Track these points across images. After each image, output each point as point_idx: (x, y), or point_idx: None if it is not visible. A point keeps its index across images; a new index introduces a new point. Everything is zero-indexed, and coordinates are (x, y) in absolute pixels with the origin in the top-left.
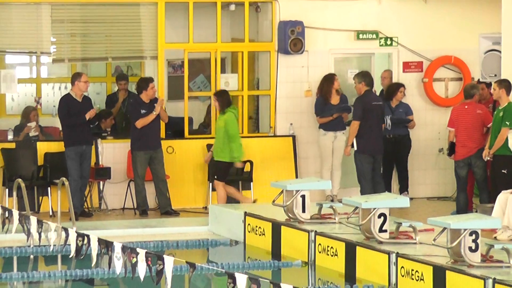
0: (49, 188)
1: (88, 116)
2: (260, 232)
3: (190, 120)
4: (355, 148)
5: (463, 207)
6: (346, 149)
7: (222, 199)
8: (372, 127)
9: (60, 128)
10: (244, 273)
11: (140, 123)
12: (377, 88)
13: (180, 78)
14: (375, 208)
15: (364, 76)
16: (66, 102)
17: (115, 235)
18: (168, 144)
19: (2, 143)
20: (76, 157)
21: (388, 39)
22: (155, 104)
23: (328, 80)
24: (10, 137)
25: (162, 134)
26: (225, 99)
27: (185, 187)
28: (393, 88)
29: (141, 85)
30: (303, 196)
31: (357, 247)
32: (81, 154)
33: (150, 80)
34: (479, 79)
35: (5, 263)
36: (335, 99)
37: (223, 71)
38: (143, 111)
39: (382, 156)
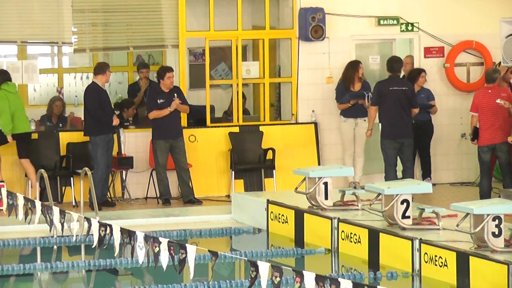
0: (72, 178)
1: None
2: (283, 219)
3: (212, 109)
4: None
5: (487, 192)
6: (366, 132)
7: (32, 173)
8: (391, 111)
9: (82, 118)
10: (267, 261)
11: (152, 114)
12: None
13: (201, 67)
14: (398, 194)
15: (387, 62)
16: (96, 91)
17: (138, 224)
18: (190, 132)
19: None
20: (106, 145)
21: (409, 25)
22: (175, 94)
23: (353, 67)
24: (32, 127)
25: (184, 123)
26: None
27: (207, 176)
28: (414, 74)
29: (159, 74)
30: (325, 183)
31: (380, 234)
32: (107, 142)
33: (168, 69)
34: (500, 62)
35: (29, 253)
36: (357, 86)
37: (244, 58)
38: (161, 101)
39: (412, 142)
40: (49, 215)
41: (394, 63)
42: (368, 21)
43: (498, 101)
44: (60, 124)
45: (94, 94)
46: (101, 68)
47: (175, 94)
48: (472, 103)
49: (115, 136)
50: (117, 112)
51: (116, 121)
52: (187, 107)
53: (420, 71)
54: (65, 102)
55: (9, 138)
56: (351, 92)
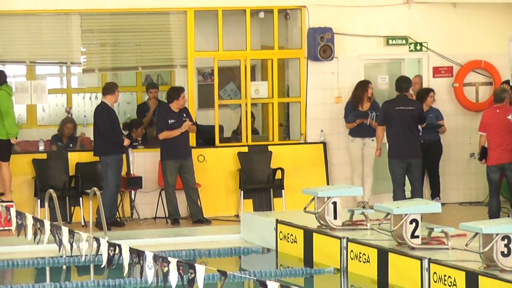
0: (80, 198)
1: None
2: (292, 239)
3: (221, 128)
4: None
5: (496, 212)
6: (376, 151)
7: (8, 179)
8: (398, 131)
9: (91, 138)
10: (277, 280)
11: (163, 135)
12: None
13: (210, 86)
14: (406, 214)
15: (396, 81)
16: (106, 110)
17: (147, 244)
18: (199, 152)
19: (34, 153)
20: (117, 165)
21: (418, 45)
22: (184, 114)
23: (362, 87)
24: (41, 147)
25: (193, 142)
26: None
27: (216, 195)
28: (423, 93)
29: (172, 95)
30: (334, 203)
31: (389, 253)
32: (118, 162)
33: (181, 89)
34: (508, 81)
35: (38, 273)
36: (366, 106)
37: (253, 78)
38: (171, 121)
39: (420, 162)
40: (58, 235)
41: (402, 82)
42: (377, 41)
43: (509, 117)
44: (71, 144)
45: (104, 114)
46: (110, 88)
47: (184, 114)
48: (480, 122)
49: (123, 156)
50: (125, 132)
51: (127, 142)
52: (195, 127)
53: (429, 90)
54: (76, 124)
55: (13, 140)
56: (355, 111)
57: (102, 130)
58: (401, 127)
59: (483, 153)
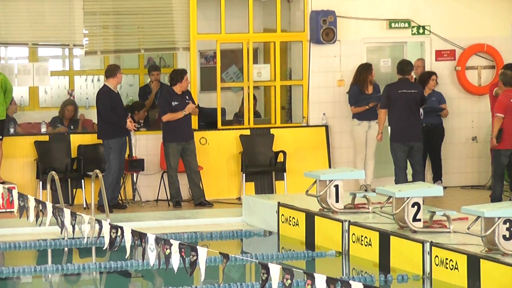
0: (82, 180)
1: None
2: (294, 222)
3: (223, 111)
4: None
5: (499, 196)
6: (377, 136)
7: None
8: (400, 115)
9: (94, 121)
10: (278, 263)
11: (166, 117)
12: None
13: (212, 69)
14: (408, 197)
15: (398, 64)
16: (107, 94)
17: (149, 226)
18: (201, 135)
19: (36, 135)
20: (120, 148)
21: (421, 28)
22: (187, 96)
23: (365, 69)
24: (43, 129)
25: (195, 125)
26: None
27: (218, 178)
28: (425, 77)
29: (175, 77)
30: (336, 186)
31: (391, 237)
32: (121, 145)
33: (184, 72)
34: (511, 64)
35: (40, 255)
36: (370, 89)
37: (255, 61)
38: (175, 103)
39: (422, 145)
40: (60, 217)
41: (404, 65)
42: (380, 24)
43: None
44: (72, 127)
45: (105, 97)
46: (111, 71)
47: (187, 97)
48: (499, 104)
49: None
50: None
51: (130, 125)
52: (197, 110)
53: (431, 74)
54: (77, 106)
55: None
56: (365, 95)
57: (103, 114)
58: (404, 110)
59: (500, 136)
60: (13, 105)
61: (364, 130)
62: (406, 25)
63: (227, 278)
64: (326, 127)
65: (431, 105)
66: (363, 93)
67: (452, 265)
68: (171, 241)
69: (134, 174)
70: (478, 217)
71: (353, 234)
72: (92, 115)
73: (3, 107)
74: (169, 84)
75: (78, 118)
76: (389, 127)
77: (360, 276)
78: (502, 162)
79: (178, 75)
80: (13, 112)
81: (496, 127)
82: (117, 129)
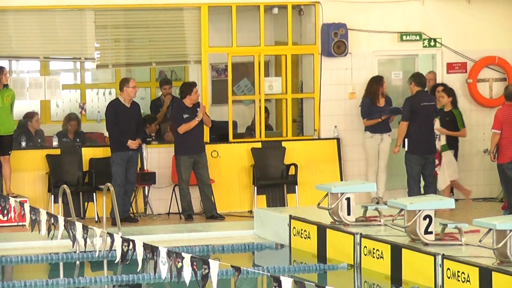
0: (94, 193)
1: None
2: (306, 235)
3: (235, 124)
4: (406, 148)
5: None
6: (395, 148)
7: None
8: (421, 127)
9: (106, 134)
10: (290, 276)
11: (182, 128)
12: None
13: (224, 82)
14: (420, 210)
15: (415, 76)
16: (114, 107)
17: (160, 240)
18: (213, 148)
19: (47, 149)
20: (122, 162)
21: (432, 40)
22: (198, 109)
23: (376, 82)
24: (55, 143)
25: (207, 138)
26: None
27: (230, 191)
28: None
29: (184, 90)
30: (348, 199)
31: (403, 249)
32: (127, 159)
33: (194, 84)
34: None
35: (52, 269)
36: (382, 101)
37: (266, 74)
38: (185, 116)
39: (434, 156)
40: (72, 230)
41: (423, 78)
42: (391, 37)
43: None
44: (77, 139)
45: (109, 110)
46: (120, 85)
47: (198, 109)
48: (495, 120)
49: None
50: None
51: (131, 145)
52: (209, 119)
53: (436, 86)
54: (80, 120)
55: None
56: (377, 107)
57: (106, 127)
58: (424, 123)
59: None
60: (37, 121)
61: (376, 142)
62: (418, 37)
63: None
64: (338, 140)
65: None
66: (375, 105)
67: (464, 278)
68: (183, 254)
69: (146, 187)
70: (490, 229)
71: (365, 246)
72: (104, 129)
73: (12, 123)
74: (179, 98)
75: (82, 131)
76: (405, 139)
77: None
78: (509, 176)
79: (187, 88)
80: (39, 125)
81: (493, 143)
82: (120, 142)
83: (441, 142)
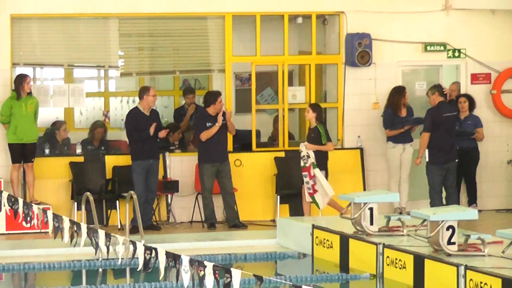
0: (117, 201)
1: (153, 131)
2: (328, 244)
3: (258, 133)
4: (427, 159)
5: None
6: (416, 159)
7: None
8: (443, 138)
9: (128, 142)
10: (312, 286)
11: (204, 135)
12: None
13: (247, 91)
14: (443, 221)
15: (437, 87)
16: (134, 116)
17: (183, 248)
18: (236, 157)
19: (71, 156)
20: (143, 171)
21: (456, 51)
22: (219, 115)
23: (398, 92)
24: (78, 150)
25: (230, 147)
26: None
27: (253, 200)
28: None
29: (209, 99)
30: (371, 209)
31: (426, 260)
32: (148, 168)
33: (218, 94)
34: None
35: (74, 276)
36: (403, 111)
37: (290, 83)
38: (209, 124)
39: (456, 166)
40: (94, 238)
41: (442, 88)
42: (415, 47)
43: None
44: (102, 147)
45: (129, 119)
46: (139, 93)
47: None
48: None
49: (161, 160)
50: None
51: (161, 134)
52: (234, 126)
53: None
54: (107, 128)
55: None
56: (400, 118)
57: (127, 135)
58: (446, 133)
59: None
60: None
61: (398, 153)
62: (442, 48)
63: None
64: (361, 149)
65: (465, 128)
66: (397, 116)
67: None
68: (205, 262)
69: (169, 195)
70: None
71: (388, 257)
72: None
73: (36, 131)
74: (203, 106)
75: (107, 139)
76: (426, 150)
77: None
78: None
79: (212, 97)
80: (66, 134)
81: None
82: (140, 151)
83: (311, 159)
